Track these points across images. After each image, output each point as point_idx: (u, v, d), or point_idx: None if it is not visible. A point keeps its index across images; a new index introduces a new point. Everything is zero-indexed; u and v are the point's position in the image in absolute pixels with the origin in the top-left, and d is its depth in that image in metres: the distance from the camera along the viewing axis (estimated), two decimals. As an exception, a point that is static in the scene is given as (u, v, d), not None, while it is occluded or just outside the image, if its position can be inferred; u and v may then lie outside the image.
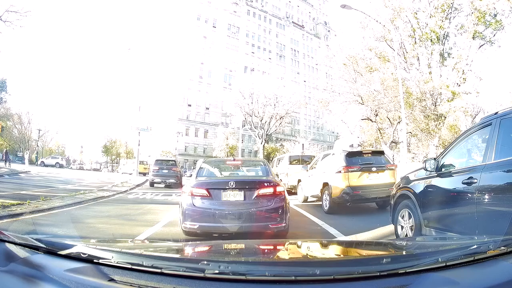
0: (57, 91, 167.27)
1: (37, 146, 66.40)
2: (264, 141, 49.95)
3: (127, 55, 79.07)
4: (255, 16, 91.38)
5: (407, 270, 1.68)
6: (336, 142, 14.69)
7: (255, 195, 6.23)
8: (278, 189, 6.38)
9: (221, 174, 7.82)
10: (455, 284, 1.63)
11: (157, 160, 25.50)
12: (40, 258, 1.77)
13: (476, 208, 4.24)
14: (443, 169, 5.17)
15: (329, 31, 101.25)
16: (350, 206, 10.73)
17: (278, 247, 2.94)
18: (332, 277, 1.62)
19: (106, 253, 1.77)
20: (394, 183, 9.80)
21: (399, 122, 24.65)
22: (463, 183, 4.53)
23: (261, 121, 49.47)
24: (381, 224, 7.86)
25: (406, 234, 5.83)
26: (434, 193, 5.28)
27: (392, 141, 27.53)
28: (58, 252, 1.80)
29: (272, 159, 52.49)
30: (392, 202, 6.49)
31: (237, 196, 6.21)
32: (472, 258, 1.80)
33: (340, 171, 10.63)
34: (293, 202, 12.51)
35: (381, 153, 12.12)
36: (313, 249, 2.83)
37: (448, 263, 1.74)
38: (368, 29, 26.16)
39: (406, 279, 1.64)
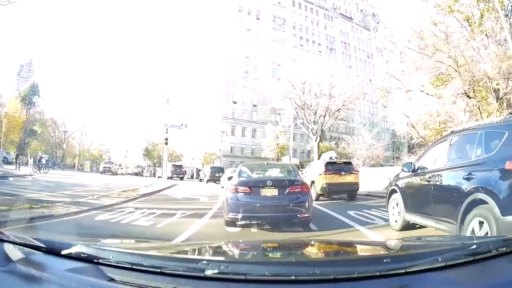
0: (96, 94, 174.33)
1: (62, 149, 66.05)
2: (318, 138, 47.47)
3: (169, 54, 79.77)
4: (301, 8, 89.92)
5: (407, 270, 1.73)
6: (323, 155, 25.37)
7: (287, 191, 8.18)
8: (304, 187, 8.50)
9: (257, 174, 9.61)
10: (455, 284, 1.69)
11: (173, 165, 46.96)
12: (40, 258, 1.88)
13: (434, 199, 6.51)
14: (418, 170, 7.43)
15: (378, 23, 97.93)
16: (328, 195, 17.83)
17: (278, 247, 3.06)
18: (332, 277, 1.68)
19: (106, 253, 1.87)
20: (357, 182, 17.93)
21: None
22: (426, 180, 6.90)
23: (314, 114, 46.94)
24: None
25: (396, 220, 8.31)
26: (411, 187, 7.77)
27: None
28: (58, 252, 1.90)
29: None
30: (387, 195, 9.10)
31: (273, 192, 8.15)
32: (472, 258, 1.86)
33: (321, 174, 17.36)
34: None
35: (349, 163, 19.40)
36: (313, 249, 2.96)
37: (448, 263, 1.79)
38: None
39: (406, 279, 1.69)
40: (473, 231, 5.09)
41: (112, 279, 1.71)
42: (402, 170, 7.99)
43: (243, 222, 8.05)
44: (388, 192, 8.97)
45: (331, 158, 20.00)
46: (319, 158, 36.01)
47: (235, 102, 77.61)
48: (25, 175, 27.66)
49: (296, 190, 8.24)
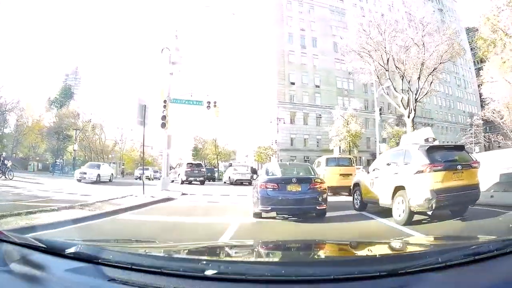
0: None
1: (74, 151, 61.68)
2: (413, 112, 34.99)
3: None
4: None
5: (407, 270, 1.84)
6: (403, 137, 14.50)
7: (308, 187, 10.53)
8: (322, 184, 10.88)
9: (281, 173, 11.81)
10: (455, 284, 1.79)
11: (188, 164, 38.56)
12: (40, 258, 2.05)
13: None
14: None
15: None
16: (432, 214, 9.81)
17: (277, 248, 3.25)
18: (332, 277, 1.81)
19: (106, 253, 2.04)
20: (477, 184, 9.80)
21: None
22: None
23: (402, 79, 36.03)
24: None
25: None
26: None
27: None
28: (58, 252, 2.07)
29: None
30: None
31: (297, 188, 10.47)
32: (472, 258, 1.95)
33: (421, 171, 9.53)
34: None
35: (462, 148, 11.14)
36: (313, 249, 3.15)
37: (448, 263, 1.88)
38: None
39: (406, 279, 1.80)
40: None
41: (112, 279, 1.87)
42: None
43: (273, 214, 10.78)
44: None
45: (427, 139, 11.15)
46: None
47: (292, 83, 69.84)
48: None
49: (316, 186, 10.63)
